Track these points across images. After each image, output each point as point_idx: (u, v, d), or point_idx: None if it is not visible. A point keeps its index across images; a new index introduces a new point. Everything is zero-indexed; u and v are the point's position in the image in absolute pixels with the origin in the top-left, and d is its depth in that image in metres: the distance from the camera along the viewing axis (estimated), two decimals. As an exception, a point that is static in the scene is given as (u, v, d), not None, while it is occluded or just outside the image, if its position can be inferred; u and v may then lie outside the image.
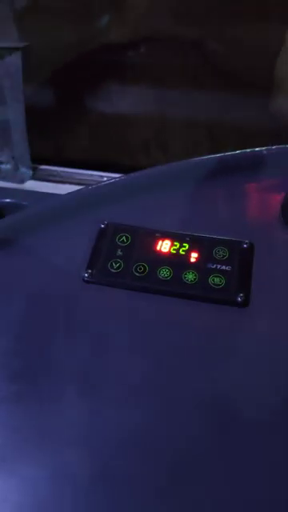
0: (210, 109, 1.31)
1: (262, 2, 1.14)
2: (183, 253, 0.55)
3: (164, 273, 0.54)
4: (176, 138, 1.37)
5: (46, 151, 1.31)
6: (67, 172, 1.14)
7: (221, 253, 0.54)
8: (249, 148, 0.61)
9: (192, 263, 0.54)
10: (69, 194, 0.60)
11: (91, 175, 1.12)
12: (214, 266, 0.54)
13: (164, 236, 0.56)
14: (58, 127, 1.34)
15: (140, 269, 0.54)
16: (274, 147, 0.59)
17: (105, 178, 1.11)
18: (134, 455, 0.44)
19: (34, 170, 1.15)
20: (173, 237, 0.56)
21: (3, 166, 1.12)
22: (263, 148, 0.59)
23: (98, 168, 1.20)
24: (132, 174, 0.61)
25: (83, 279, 0.54)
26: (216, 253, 0.54)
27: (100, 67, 1.29)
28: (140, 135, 1.36)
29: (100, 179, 1.13)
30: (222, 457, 0.43)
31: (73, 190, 0.62)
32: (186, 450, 0.44)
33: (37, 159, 1.18)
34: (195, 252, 0.55)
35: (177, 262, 0.54)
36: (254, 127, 1.30)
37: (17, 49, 0.95)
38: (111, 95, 1.33)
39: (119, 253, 0.56)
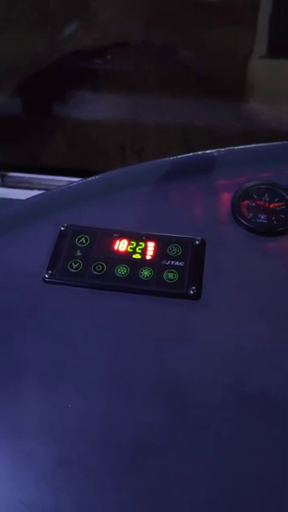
0: (183, 113, 1.34)
1: (232, 8, 1.17)
2: (139, 251, 0.58)
3: (121, 271, 0.56)
4: (151, 142, 1.39)
5: (21, 160, 1.32)
6: (36, 178, 1.16)
7: (174, 250, 0.57)
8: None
9: (148, 261, 0.57)
10: (30, 198, 0.62)
11: (60, 181, 1.14)
12: (168, 262, 0.57)
13: (121, 236, 0.59)
14: (33, 135, 1.36)
15: (98, 268, 0.57)
16: (223, 149, 0.62)
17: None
18: (94, 441, 0.46)
19: (3, 177, 1.16)
20: (130, 236, 0.59)
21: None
22: (213, 150, 0.62)
23: (75, 174, 1.22)
24: (90, 178, 0.63)
25: (44, 280, 0.56)
26: (170, 250, 0.57)
27: (72, 74, 1.31)
28: (115, 140, 1.38)
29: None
30: (176, 439, 0.46)
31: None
32: (143, 434, 0.46)
33: (10, 167, 1.19)
34: (151, 250, 0.58)
35: (133, 260, 0.57)
36: (227, 129, 1.33)
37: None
38: (85, 102, 1.35)
39: (79, 253, 0.58)
